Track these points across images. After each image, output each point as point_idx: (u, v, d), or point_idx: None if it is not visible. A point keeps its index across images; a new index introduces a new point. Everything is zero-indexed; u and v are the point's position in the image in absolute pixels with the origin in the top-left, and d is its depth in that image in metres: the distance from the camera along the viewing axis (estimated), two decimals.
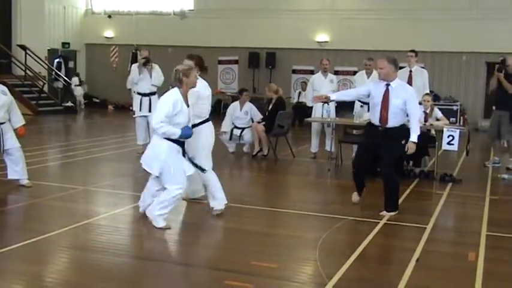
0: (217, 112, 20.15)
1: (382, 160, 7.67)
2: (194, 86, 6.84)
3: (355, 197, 8.11)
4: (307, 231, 6.92)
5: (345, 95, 8.48)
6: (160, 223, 6.58)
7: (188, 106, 6.71)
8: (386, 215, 7.54)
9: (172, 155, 6.59)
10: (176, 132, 6.53)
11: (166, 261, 5.71)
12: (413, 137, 7.49)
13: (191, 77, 6.71)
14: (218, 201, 7.31)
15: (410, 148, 7.54)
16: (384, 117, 7.53)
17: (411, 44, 14.21)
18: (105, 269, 5.37)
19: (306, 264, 5.74)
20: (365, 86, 8.24)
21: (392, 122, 7.53)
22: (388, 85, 7.56)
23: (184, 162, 6.73)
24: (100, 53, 24.42)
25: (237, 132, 12.52)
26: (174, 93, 6.63)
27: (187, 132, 6.62)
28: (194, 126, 7.00)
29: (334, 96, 8.25)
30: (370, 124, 7.85)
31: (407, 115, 7.60)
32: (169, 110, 6.47)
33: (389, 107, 7.48)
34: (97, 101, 24.43)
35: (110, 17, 24.25)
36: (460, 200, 8.86)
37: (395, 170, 7.87)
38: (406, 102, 7.49)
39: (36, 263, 5.43)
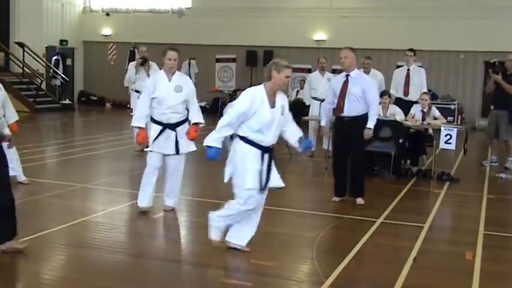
0: (215, 110, 20.19)
1: (353, 148, 7.98)
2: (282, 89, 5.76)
3: (335, 198, 8.19)
4: (305, 229, 6.93)
5: (329, 110, 8.40)
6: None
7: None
8: (361, 200, 7.96)
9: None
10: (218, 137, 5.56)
11: (163, 259, 5.72)
12: (370, 124, 7.84)
13: (279, 76, 5.63)
14: None
15: (366, 134, 7.87)
16: (340, 105, 7.86)
17: (409, 43, 14.22)
18: (102, 266, 5.37)
19: (303, 262, 5.75)
20: (329, 90, 8.35)
21: (351, 110, 7.81)
22: (347, 75, 7.88)
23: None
24: (98, 51, 24.39)
25: None
26: (254, 88, 5.68)
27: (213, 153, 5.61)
28: None
29: (324, 122, 8.46)
30: (337, 117, 8.13)
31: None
32: (245, 107, 5.49)
33: (348, 96, 7.78)
34: (94, 98, 24.41)
35: (107, 14, 24.21)
36: (458, 199, 8.87)
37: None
38: (365, 91, 7.80)
39: (34, 260, 5.43)
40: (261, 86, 5.62)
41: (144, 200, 7.11)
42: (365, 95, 7.81)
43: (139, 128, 6.98)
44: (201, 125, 7.21)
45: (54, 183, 8.76)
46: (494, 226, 7.17)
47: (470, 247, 6.17)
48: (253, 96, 5.50)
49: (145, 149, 7.12)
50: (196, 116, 7.19)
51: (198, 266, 5.58)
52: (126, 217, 7.12)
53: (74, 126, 18.80)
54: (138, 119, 6.96)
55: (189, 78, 7.42)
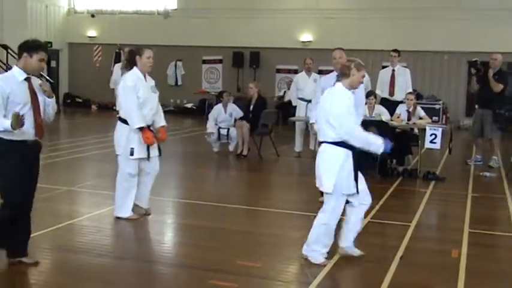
0: (202, 112, 20.18)
1: None
2: (354, 88, 5.71)
3: (322, 198, 8.21)
4: (292, 230, 6.94)
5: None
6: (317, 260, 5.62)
7: None
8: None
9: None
10: (377, 141, 5.53)
11: (150, 262, 5.70)
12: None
13: (358, 75, 5.62)
14: None
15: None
16: None
17: (394, 44, 14.30)
18: (88, 269, 5.35)
19: (291, 263, 5.76)
20: (318, 90, 8.30)
21: None
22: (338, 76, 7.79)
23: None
24: (83, 53, 24.25)
25: (223, 131, 12.49)
26: (341, 88, 5.57)
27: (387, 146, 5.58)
28: None
29: (314, 119, 8.37)
30: None
31: None
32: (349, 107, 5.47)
33: None
34: (80, 100, 24.27)
35: (93, 16, 24.09)
36: (443, 197, 8.93)
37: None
38: (354, 91, 7.71)
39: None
40: (341, 85, 5.55)
41: (128, 210, 7.00)
42: (355, 95, 7.82)
43: (142, 128, 6.74)
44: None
45: (39, 186, 8.64)
46: (479, 224, 7.23)
47: (456, 245, 6.21)
48: (349, 97, 5.50)
49: (131, 157, 6.81)
50: (163, 120, 7.15)
51: (185, 267, 5.57)
52: (112, 220, 7.07)
53: (59, 128, 18.66)
54: (139, 119, 6.71)
55: None
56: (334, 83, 5.74)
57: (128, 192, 6.92)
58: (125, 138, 6.79)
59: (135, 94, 6.69)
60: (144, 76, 6.85)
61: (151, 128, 6.96)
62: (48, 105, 5.32)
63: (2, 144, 4.93)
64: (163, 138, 7.08)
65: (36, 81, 5.21)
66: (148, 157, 6.90)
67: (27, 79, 5.08)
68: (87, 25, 24.18)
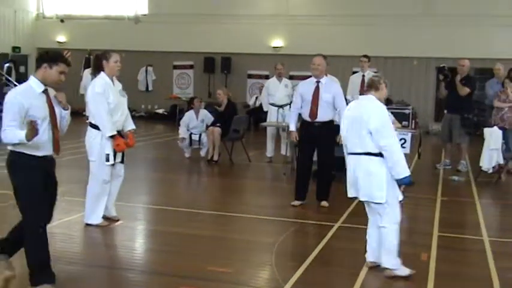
0: (173, 118, 20.10)
1: (322, 153, 8.20)
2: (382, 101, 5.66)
3: (296, 202, 8.28)
4: (263, 235, 6.95)
5: (295, 115, 8.42)
6: (403, 271, 5.54)
7: None
8: (326, 203, 8.17)
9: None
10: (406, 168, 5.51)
11: (121, 269, 5.67)
12: None
13: (385, 89, 5.63)
14: None
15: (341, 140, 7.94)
16: (313, 111, 7.99)
17: (364, 49, 14.42)
18: (59, 277, 5.27)
19: (262, 268, 5.77)
20: (296, 96, 8.41)
21: (322, 115, 8.00)
22: (318, 82, 8.08)
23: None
24: None
25: (195, 137, 12.47)
26: (377, 100, 5.54)
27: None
28: None
29: (293, 127, 8.44)
30: (304, 122, 8.23)
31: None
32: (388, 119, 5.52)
33: (320, 102, 7.96)
34: None
35: (62, 21, 23.87)
36: (413, 201, 9.01)
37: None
38: (335, 97, 8.03)
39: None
40: (374, 98, 5.52)
41: (98, 217, 6.95)
42: (335, 100, 8.05)
43: (114, 136, 6.68)
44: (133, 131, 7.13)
45: (7, 193, 8.57)
46: (448, 228, 7.32)
47: (426, 249, 6.29)
48: (385, 109, 5.52)
49: (107, 163, 6.76)
50: (131, 123, 7.11)
51: (156, 274, 5.54)
52: (83, 227, 7.01)
53: None
54: (111, 127, 6.65)
55: None
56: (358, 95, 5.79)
57: (99, 199, 6.87)
58: (98, 144, 6.73)
59: (105, 101, 6.63)
60: (112, 80, 6.81)
61: (122, 133, 6.93)
62: (64, 117, 5.18)
63: (29, 159, 4.77)
64: (132, 143, 7.04)
65: (51, 93, 5.03)
66: (114, 162, 6.86)
67: (45, 91, 4.91)
68: (57, 30, 23.95)
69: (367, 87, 5.65)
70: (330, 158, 8.24)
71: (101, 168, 6.80)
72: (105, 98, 6.64)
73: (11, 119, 4.62)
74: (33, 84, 4.83)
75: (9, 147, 4.76)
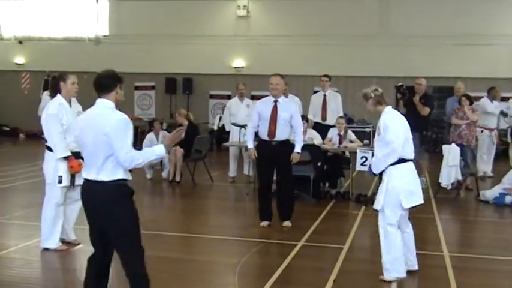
0: (135, 139, 19.92)
1: (280, 173, 8.19)
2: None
3: (263, 223, 8.25)
4: (226, 256, 6.91)
5: (252, 134, 8.44)
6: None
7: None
8: (289, 223, 8.13)
9: None
10: None
11: None
12: (297, 148, 8.17)
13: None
14: None
15: (295, 158, 8.16)
16: (271, 130, 8.04)
17: (325, 69, 14.54)
18: None
19: None
20: (253, 114, 8.45)
21: (280, 135, 8.07)
22: (276, 101, 8.13)
23: None
24: (10, 80, 23.59)
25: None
26: (394, 112, 6.03)
27: None
28: None
29: (251, 144, 8.44)
30: (261, 141, 8.26)
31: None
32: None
33: (278, 120, 8.03)
34: (7, 129, 23.57)
35: (20, 42, 23.57)
36: (375, 219, 9.01)
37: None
38: (292, 116, 8.11)
39: None
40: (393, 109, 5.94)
41: (55, 240, 6.82)
42: (292, 119, 8.12)
43: (68, 157, 6.58)
44: None
45: None
46: None
47: None
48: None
49: (59, 185, 6.64)
50: None
51: None
52: (41, 251, 6.87)
53: None
54: (63, 148, 6.56)
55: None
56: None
57: (55, 222, 6.75)
58: (53, 167, 6.64)
59: (59, 122, 6.58)
60: (69, 102, 6.73)
61: (81, 155, 6.83)
62: None
63: (127, 186, 4.51)
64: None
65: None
66: (73, 185, 6.74)
67: None
68: (15, 52, 23.61)
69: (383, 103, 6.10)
70: (288, 176, 8.28)
71: (54, 190, 6.70)
72: (58, 119, 6.58)
73: (131, 141, 4.47)
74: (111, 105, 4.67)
75: (104, 178, 4.37)
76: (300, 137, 8.25)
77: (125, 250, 4.46)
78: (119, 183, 4.40)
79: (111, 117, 4.45)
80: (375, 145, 5.99)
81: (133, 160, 4.37)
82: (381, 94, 5.95)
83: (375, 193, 6.68)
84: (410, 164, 5.86)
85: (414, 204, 5.87)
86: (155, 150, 4.51)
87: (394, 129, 5.76)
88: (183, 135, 4.50)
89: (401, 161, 5.77)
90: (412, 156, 5.88)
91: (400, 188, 5.71)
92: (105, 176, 4.35)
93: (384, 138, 5.76)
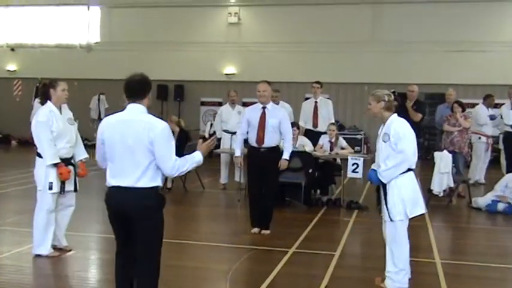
0: None
1: (267, 179, 8.14)
2: None
3: (255, 229, 8.26)
4: (217, 262, 6.91)
5: (241, 141, 8.52)
6: None
7: None
8: (268, 232, 8.12)
9: None
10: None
11: None
12: (286, 155, 8.19)
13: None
14: None
15: (283, 165, 8.18)
16: (260, 137, 8.07)
17: (316, 76, 14.59)
18: None
19: None
20: (242, 121, 8.51)
21: (269, 141, 8.09)
22: (264, 108, 8.16)
23: None
24: (2, 87, 23.57)
25: None
26: (403, 120, 5.94)
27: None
28: None
29: (239, 152, 8.52)
30: (251, 147, 8.28)
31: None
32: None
33: (266, 127, 8.05)
34: None
35: (12, 49, 23.54)
36: (366, 225, 9.11)
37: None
38: (281, 122, 8.13)
39: None
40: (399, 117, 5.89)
41: (47, 247, 6.81)
42: (281, 126, 8.12)
43: (57, 164, 6.59)
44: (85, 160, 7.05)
45: None
46: None
47: (379, 272, 6.31)
48: None
49: (50, 191, 6.64)
50: (84, 151, 7.05)
51: None
52: (33, 258, 6.85)
53: None
54: (52, 155, 6.56)
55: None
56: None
57: (47, 229, 6.74)
58: (43, 173, 6.64)
59: (48, 129, 6.57)
60: (60, 109, 6.74)
61: (72, 161, 6.86)
62: None
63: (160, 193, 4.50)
64: (83, 174, 6.99)
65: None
66: (63, 192, 6.74)
67: None
68: (7, 59, 23.59)
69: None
70: (274, 184, 8.30)
71: (45, 197, 6.69)
72: (47, 126, 6.58)
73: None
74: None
75: (143, 185, 4.36)
76: (289, 143, 8.27)
77: (148, 253, 4.49)
78: (157, 190, 4.42)
79: (155, 124, 4.38)
80: (378, 152, 5.91)
81: (179, 168, 4.41)
82: (392, 101, 5.90)
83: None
84: (412, 173, 5.82)
85: (418, 214, 5.81)
86: (195, 157, 4.54)
87: (408, 138, 5.69)
88: (215, 143, 4.50)
89: (407, 170, 5.73)
90: (414, 166, 5.83)
91: (406, 198, 5.69)
92: (145, 183, 4.35)
93: (395, 147, 5.70)
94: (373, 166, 6.02)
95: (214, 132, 13.95)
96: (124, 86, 4.55)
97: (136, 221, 4.38)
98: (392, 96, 5.97)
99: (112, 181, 4.43)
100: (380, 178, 5.78)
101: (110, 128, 4.47)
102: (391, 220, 5.76)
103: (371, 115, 6.01)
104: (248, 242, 7.74)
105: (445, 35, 19.29)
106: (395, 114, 5.87)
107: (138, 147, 4.31)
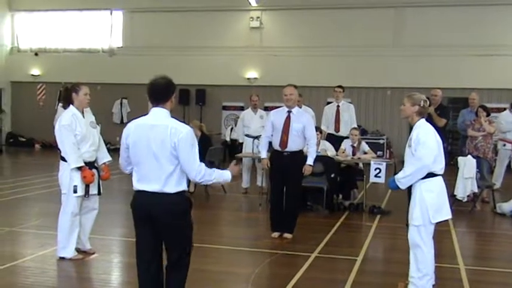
0: None
1: (290, 183, 8.12)
2: None
3: (275, 233, 8.25)
4: (240, 266, 6.91)
5: (266, 143, 8.51)
6: None
7: None
8: (290, 236, 8.09)
9: None
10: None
11: None
12: (310, 161, 8.16)
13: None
14: None
15: (307, 171, 8.18)
16: (283, 140, 8.06)
17: (338, 80, 14.54)
18: None
19: None
20: (267, 124, 8.50)
21: (292, 145, 8.08)
22: (289, 112, 8.16)
23: None
24: (26, 91, 23.86)
25: None
26: (427, 127, 5.81)
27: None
28: None
29: (265, 154, 8.49)
30: (274, 151, 8.28)
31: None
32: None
33: (290, 131, 8.05)
34: (23, 139, 23.79)
35: (36, 54, 23.80)
36: (389, 231, 9.05)
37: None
38: (305, 127, 8.11)
39: None
40: (426, 122, 5.80)
41: (71, 250, 6.87)
42: (305, 130, 8.12)
43: (81, 167, 6.65)
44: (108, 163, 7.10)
45: None
46: None
47: (402, 278, 6.27)
48: None
49: (75, 195, 6.70)
50: (107, 155, 7.09)
51: None
52: (57, 260, 6.91)
53: (1, 168, 18.24)
54: (76, 158, 6.61)
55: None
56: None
57: (71, 232, 6.80)
58: (68, 176, 6.69)
59: (72, 133, 6.63)
60: (82, 112, 6.81)
61: (96, 165, 6.91)
62: None
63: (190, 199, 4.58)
64: (106, 177, 7.04)
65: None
66: (87, 195, 6.80)
67: None
68: (31, 63, 23.86)
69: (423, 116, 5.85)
70: (297, 188, 8.26)
71: (70, 200, 6.75)
72: (71, 130, 6.64)
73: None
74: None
75: (170, 190, 4.38)
76: (313, 148, 8.24)
77: (179, 258, 4.51)
78: (185, 195, 4.44)
79: (179, 129, 4.39)
80: (405, 157, 5.89)
81: (205, 176, 4.44)
82: (426, 108, 5.86)
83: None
84: (440, 179, 5.75)
85: (442, 219, 5.75)
86: (224, 174, 4.58)
87: (427, 145, 5.62)
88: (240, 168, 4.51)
89: (430, 175, 5.67)
90: (442, 171, 5.75)
91: (429, 203, 5.64)
92: (171, 187, 4.36)
93: (414, 153, 5.68)
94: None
95: (236, 140, 13.95)
96: (148, 90, 4.55)
97: (164, 226, 4.39)
98: (428, 103, 5.90)
99: (138, 185, 4.44)
100: (397, 184, 5.75)
101: (134, 132, 4.48)
102: (410, 225, 5.72)
103: (402, 116, 5.93)
104: (270, 246, 7.73)
105: (469, 38, 19.13)
106: (423, 120, 5.79)
107: (163, 153, 4.32)
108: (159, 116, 4.47)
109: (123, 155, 4.56)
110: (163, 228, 4.39)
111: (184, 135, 4.36)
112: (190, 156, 4.36)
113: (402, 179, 5.72)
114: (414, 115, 5.78)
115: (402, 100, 5.95)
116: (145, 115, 4.62)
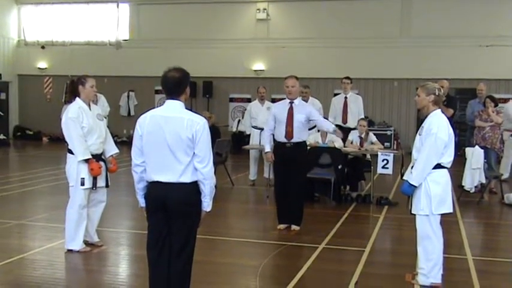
0: None
1: (294, 174, 8.09)
2: None
3: (281, 225, 8.25)
4: (248, 258, 6.91)
5: (269, 136, 8.50)
6: None
7: None
8: (297, 228, 8.08)
9: None
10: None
11: None
12: (331, 127, 8.54)
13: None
14: None
15: (338, 133, 8.67)
16: (289, 131, 8.07)
17: (345, 71, 14.52)
18: None
19: None
20: (269, 117, 8.48)
21: (297, 136, 8.08)
22: (291, 103, 8.17)
23: None
24: (33, 84, 23.92)
25: None
26: (441, 118, 5.74)
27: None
28: None
29: (269, 148, 8.49)
30: (277, 143, 8.28)
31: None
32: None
33: (294, 122, 8.06)
34: (31, 133, 23.85)
35: (43, 47, 23.83)
36: (396, 222, 9.04)
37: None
38: (310, 115, 8.16)
39: None
40: (441, 112, 5.76)
41: (79, 242, 6.89)
42: (311, 117, 8.17)
43: (88, 159, 6.66)
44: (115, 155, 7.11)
45: None
46: None
47: (410, 269, 6.27)
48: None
49: (82, 187, 6.71)
50: (114, 147, 7.10)
51: None
52: (65, 253, 6.94)
53: (8, 161, 18.31)
54: (83, 151, 6.62)
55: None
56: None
57: (79, 224, 6.81)
58: (75, 169, 6.71)
59: (79, 125, 6.64)
60: (89, 105, 6.82)
61: (103, 157, 6.92)
62: None
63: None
64: (114, 169, 7.05)
65: None
66: (95, 187, 6.81)
67: None
68: (38, 56, 23.90)
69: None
70: (301, 179, 8.25)
71: (77, 192, 6.76)
72: (78, 122, 6.64)
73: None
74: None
75: (186, 180, 4.42)
76: (325, 121, 8.55)
77: (185, 247, 4.52)
78: (198, 185, 4.48)
79: (195, 121, 4.42)
80: (415, 145, 5.88)
81: (213, 176, 4.53)
82: (441, 96, 5.83)
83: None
84: (446, 172, 5.73)
85: (443, 212, 5.73)
86: (211, 195, 4.65)
87: (436, 137, 5.58)
88: None
89: (438, 166, 5.66)
90: (449, 165, 5.73)
91: (433, 194, 5.63)
92: (187, 178, 4.39)
93: (424, 142, 5.67)
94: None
95: (243, 132, 13.95)
96: (162, 82, 4.53)
97: (177, 213, 4.42)
98: (442, 91, 5.87)
99: (154, 176, 4.44)
100: (411, 183, 5.73)
101: (149, 123, 4.46)
102: (417, 215, 5.75)
103: (418, 106, 5.90)
104: (278, 238, 7.73)
105: (476, 29, 19.05)
106: (439, 110, 5.76)
107: (178, 145, 4.33)
108: (174, 108, 4.48)
109: (136, 145, 4.54)
110: (175, 214, 4.42)
111: (201, 126, 4.39)
112: (207, 148, 4.39)
113: (414, 177, 5.74)
114: (430, 104, 5.75)
115: (416, 91, 5.91)
116: (156, 107, 4.60)
